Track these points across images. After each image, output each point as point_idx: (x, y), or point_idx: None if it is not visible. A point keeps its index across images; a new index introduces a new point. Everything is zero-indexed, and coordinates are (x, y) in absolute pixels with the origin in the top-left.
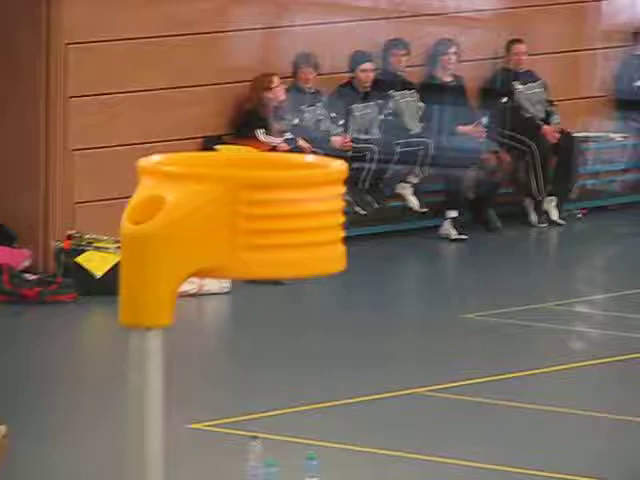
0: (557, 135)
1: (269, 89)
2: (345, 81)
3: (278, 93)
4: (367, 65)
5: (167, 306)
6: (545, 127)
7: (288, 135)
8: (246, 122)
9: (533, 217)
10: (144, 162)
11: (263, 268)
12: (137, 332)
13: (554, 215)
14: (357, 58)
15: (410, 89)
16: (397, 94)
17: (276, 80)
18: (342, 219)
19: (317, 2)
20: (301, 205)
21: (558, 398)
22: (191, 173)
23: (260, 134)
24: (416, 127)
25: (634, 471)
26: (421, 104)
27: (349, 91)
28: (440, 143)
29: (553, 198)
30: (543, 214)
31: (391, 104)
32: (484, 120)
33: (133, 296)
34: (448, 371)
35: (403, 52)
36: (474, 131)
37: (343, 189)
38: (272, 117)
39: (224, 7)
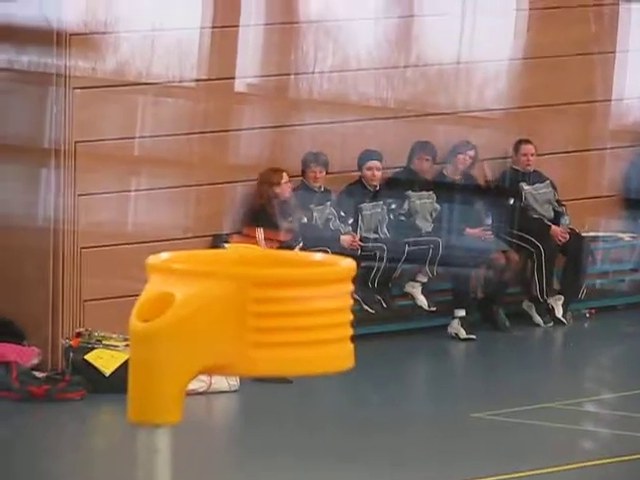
0: (566, 236)
1: (278, 185)
2: (355, 180)
3: (285, 190)
4: (373, 163)
5: (176, 404)
6: (554, 228)
7: (289, 239)
8: (252, 218)
9: (537, 318)
10: (153, 259)
11: (271, 366)
12: (146, 430)
13: (559, 313)
14: (364, 156)
15: (428, 190)
16: (414, 195)
17: (285, 176)
18: (351, 317)
19: (326, 101)
20: (310, 303)
21: None
22: (200, 271)
23: (259, 233)
24: (427, 227)
25: None
26: (437, 205)
27: (358, 190)
28: (449, 242)
29: (560, 297)
30: (548, 313)
31: (406, 204)
32: (489, 221)
33: (142, 393)
34: (456, 470)
35: (428, 157)
36: (482, 234)
37: (352, 287)
38: (278, 215)
39: (233, 106)
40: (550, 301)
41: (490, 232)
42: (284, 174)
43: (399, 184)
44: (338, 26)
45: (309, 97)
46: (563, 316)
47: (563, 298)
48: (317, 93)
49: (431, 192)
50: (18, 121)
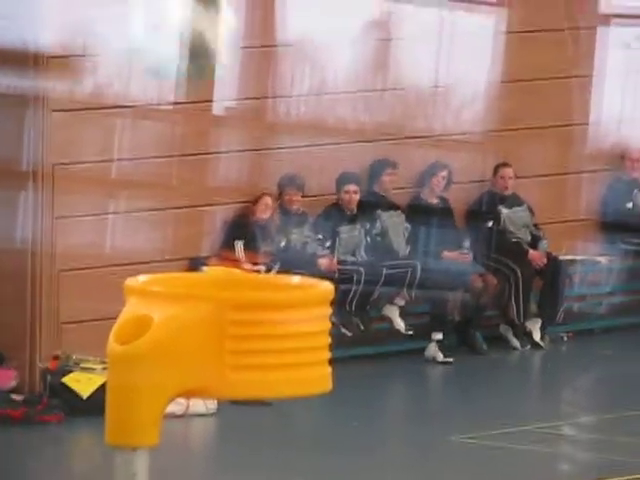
0: (544, 261)
1: (255, 204)
2: (332, 202)
3: (261, 209)
4: (350, 187)
5: (153, 426)
6: (532, 252)
7: (267, 261)
8: (229, 232)
9: (515, 342)
10: (131, 282)
11: (249, 388)
12: (123, 452)
13: (537, 336)
14: (341, 179)
15: (396, 209)
16: (385, 214)
17: (265, 198)
18: (329, 340)
19: (303, 124)
20: (288, 326)
21: None
22: (177, 293)
23: (238, 246)
24: (403, 249)
25: None
26: (407, 225)
27: (336, 213)
28: (426, 265)
29: (538, 320)
30: (525, 336)
31: (378, 224)
32: (467, 244)
33: (119, 416)
34: None
35: (390, 171)
36: (460, 257)
37: (330, 310)
38: (258, 237)
39: (211, 129)
40: (528, 324)
41: (468, 255)
42: (266, 197)
43: (369, 205)
44: (315, 49)
45: (287, 120)
46: (541, 339)
47: (540, 321)
48: (295, 116)
49: (399, 211)
50: None
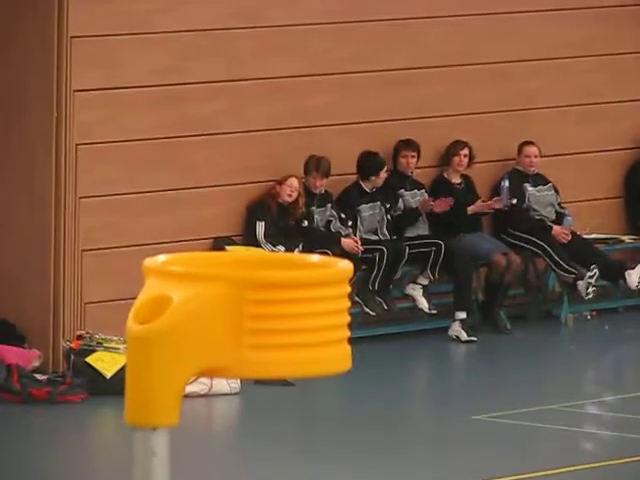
0: (569, 235)
1: (281, 184)
2: (353, 181)
3: (286, 191)
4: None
5: (173, 405)
6: (556, 227)
7: (280, 249)
8: (253, 212)
9: (583, 289)
10: (150, 262)
11: (269, 368)
12: (143, 432)
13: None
14: (367, 159)
15: (420, 188)
16: (407, 193)
17: (290, 180)
18: (348, 319)
19: (328, 103)
20: (307, 305)
21: None
22: (196, 273)
23: (259, 227)
24: (425, 228)
25: None
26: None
27: (356, 191)
28: (450, 244)
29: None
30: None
31: (401, 203)
32: (506, 184)
33: (139, 395)
34: (457, 472)
35: (413, 154)
36: (488, 205)
37: (348, 289)
38: (279, 217)
39: (236, 108)
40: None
41: (497, 201)
42: (292, 179)
43: (390, 184)
44: (334, 28)
45: (310, 100)
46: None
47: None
48: (318, 96)
49: (422, 190)
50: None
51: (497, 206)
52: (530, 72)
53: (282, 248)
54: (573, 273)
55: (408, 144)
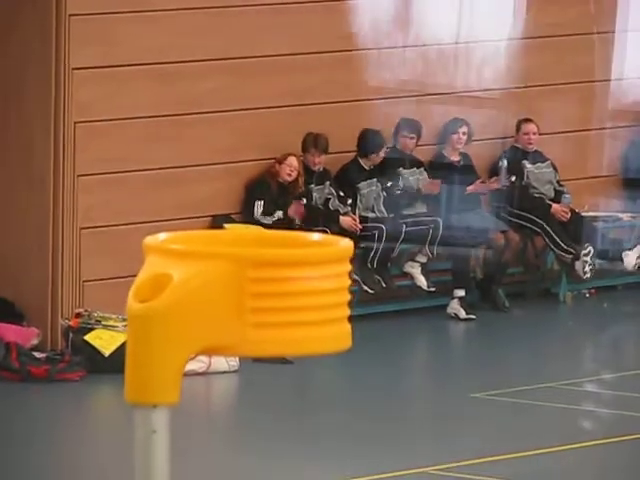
0: (568, 213)
1: (280, 163)
2: (351, 159)
3: (285, 170)
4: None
5: (173, 384)
6: (555, 206)
7: (279, 214)
8: (251, 191)
9: (580, 269)
10: (150, 240)
11: (269, 346)
12: (143, 410)
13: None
14: (367, 136)
15: (419, 167)
16: (406, 172)
17: (290, 159)
18: (349, 297)
19: (328, 80)
20: (308, 283)
21: (566, 478)
22: (197, 251)
23: (257, 206)
24: (424, 206)
25: None
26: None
27: (354, 168)
28: (448, 222)
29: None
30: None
31: (401, 182)
32: (504, 164)
33: (139, 374)
34: (456, 450)
35: (412, 135)
36: (485, 186)
37: (350, 267)
38: (278, 196)
39: (235, 85)
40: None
41: (494, 182)
42: (291, 157)
43: (390, 163)
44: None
45: (312, 77)
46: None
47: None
48: (320, 73)
49: (422, 169)
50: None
51: (496, 186)
52: (527, 50)
53: (280, 213)
54: (571, 253)
55: (409, 124)
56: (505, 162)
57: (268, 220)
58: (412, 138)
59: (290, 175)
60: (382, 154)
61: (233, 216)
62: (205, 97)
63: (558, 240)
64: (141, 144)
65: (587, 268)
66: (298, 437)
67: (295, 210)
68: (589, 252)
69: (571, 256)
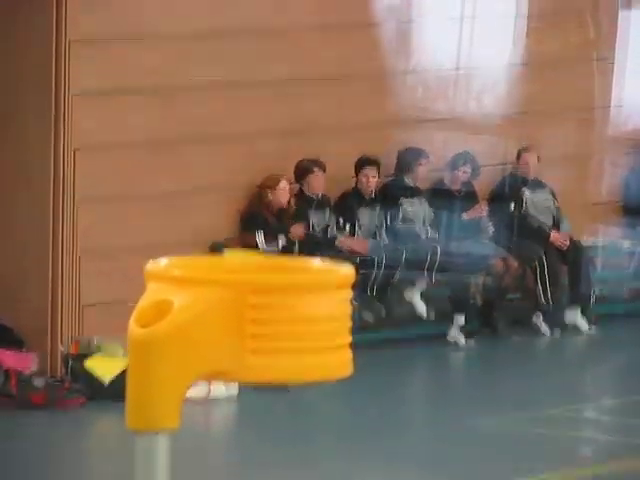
0: (567, 241)
1: (273, 190)
2: (352, 186)
3: (281, 196)
4: (368, 170)
5: (174, 410)
6: (554, 234)
7: (282, 241)
8: (247, 222)
9: (544, 329)
10: (151, 266)
11: (269, 372)
12: (144, 436)
13: (583, 326)
14: (361, 162)
15: (419, 196)
16: (406, 201)
17: (282, 183)
18: (350, 324)
19: (328, 104)
20: (308, 309)
21: None
22: (198, 277)
23: (259, 237)
24: (425, 233)
25: None
26: (431, 212)
27: (355, 196)
28: (448, 248)
29: (576, 307)
30: (558, 326)
31: (401, 211)
32: (490, 227)
33: (140, 400)
34: (452, 477)
35: (422, 162)
36: (478, 211)
37: (351, 293)
38: (274, 220)
39: (233, 110)
40: (567, 315)
41: (484, 210)
42: (283, 181)
43: (392, 192)
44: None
45: (310, 102)
46: (589, 324)
47: (578, 307)
48: (317, 98)
49: (422, 199)
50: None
51: (483, 212)
52: (527, 76)
53: (283, 239)
54: (548, 304)
55: (421, 153)
56: (512, 207)
57: (274, 247)
58: (420, 165)
59: (283, 197)
60: (372, 179)
61: (232, 241)
62: (205, 122)
63: (545, 287)
64: (141, 169)
65: (583, 324)
66: (297, 464)
67: (296, 231)
68: (586, 307)
69: (547, 307)
